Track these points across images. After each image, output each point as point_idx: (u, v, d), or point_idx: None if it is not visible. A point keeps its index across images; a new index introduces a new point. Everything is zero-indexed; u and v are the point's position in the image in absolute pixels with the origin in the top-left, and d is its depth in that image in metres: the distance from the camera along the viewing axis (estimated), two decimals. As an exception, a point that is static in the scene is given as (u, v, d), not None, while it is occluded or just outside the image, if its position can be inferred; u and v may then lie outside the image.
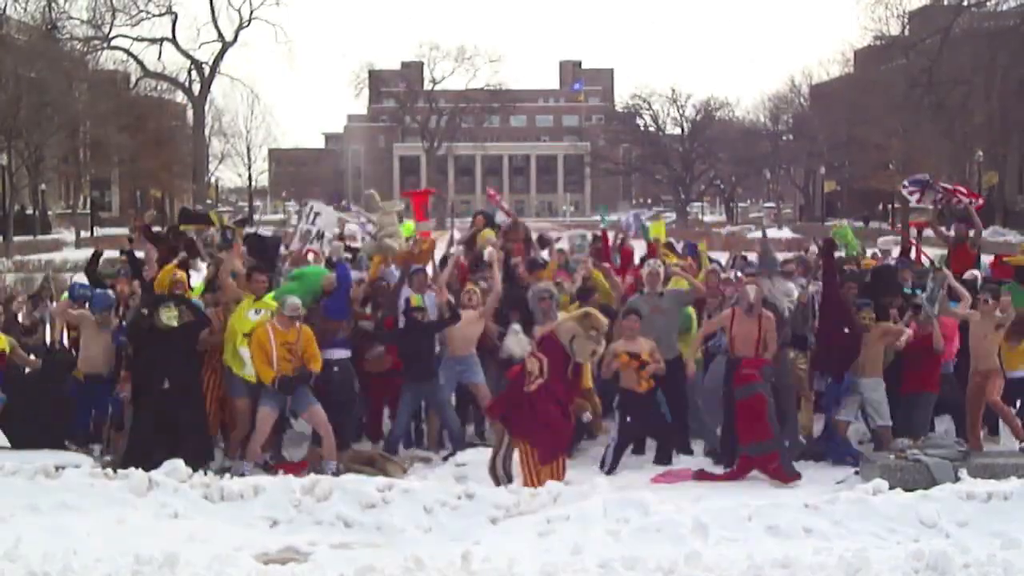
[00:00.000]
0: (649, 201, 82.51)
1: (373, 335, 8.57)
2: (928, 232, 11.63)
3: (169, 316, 7.57)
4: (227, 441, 8.20)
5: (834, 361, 8.15)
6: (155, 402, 7.56)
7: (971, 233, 10.40)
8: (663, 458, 8.19)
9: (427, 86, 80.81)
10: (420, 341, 8.32)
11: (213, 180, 58.86)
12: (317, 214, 10.22)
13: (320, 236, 10.08)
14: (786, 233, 43.05)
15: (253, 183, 67.58)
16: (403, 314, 8.47)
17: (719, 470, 7.88)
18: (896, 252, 10.76)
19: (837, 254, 9.52)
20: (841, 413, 8.08)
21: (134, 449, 7.45)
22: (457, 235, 11.00)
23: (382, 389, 8.62)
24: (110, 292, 8.41)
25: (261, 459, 7.88)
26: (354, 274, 9.08)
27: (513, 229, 10.56)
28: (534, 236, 11.08)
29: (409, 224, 10.89)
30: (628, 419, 8.00)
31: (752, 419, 7.55)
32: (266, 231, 12.34)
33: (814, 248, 10.54)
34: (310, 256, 9.83)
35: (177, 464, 6.82)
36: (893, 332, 8.02)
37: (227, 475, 7.01)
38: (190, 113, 53.23)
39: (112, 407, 8.16)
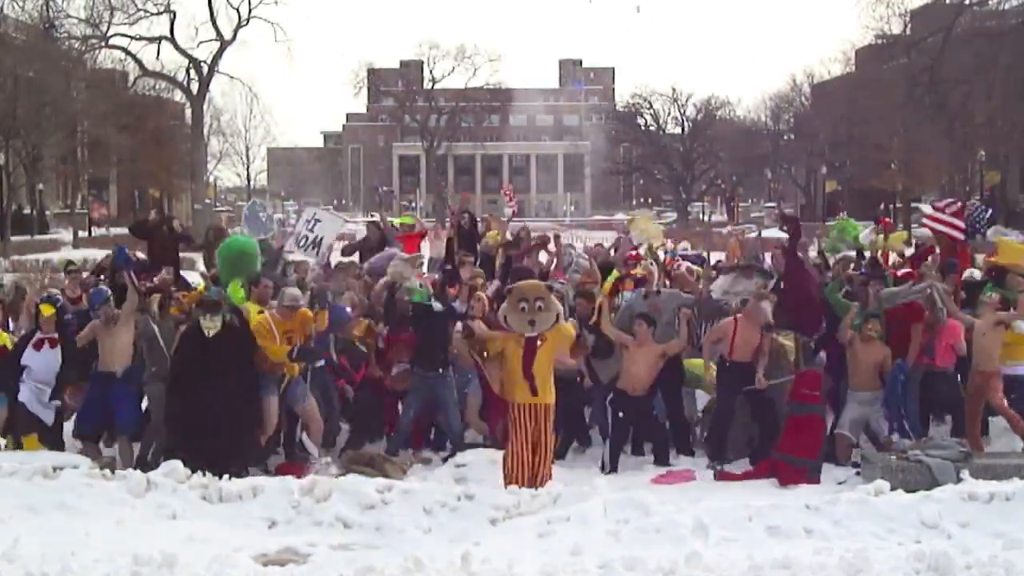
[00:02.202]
0: (650, 201, 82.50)
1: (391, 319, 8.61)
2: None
3: (207, 326, 7.47)
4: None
5: (804, 321, 8.28)
6: (194, 409, 7.40)
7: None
8: (661, 458, 8.19)
9: (426, 85, 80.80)
10: (431, 329, 8.25)
11: (212, 179, 58.79)
12: (318, 221, 10.17)
13: (317, 244, 10.06)
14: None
15: (252, 182, 67.61)
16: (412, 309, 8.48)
17: (737, 469, 7.92)
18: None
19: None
20: (845, 427, 8.03)
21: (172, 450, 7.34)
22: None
23: (396, 393, 8.60)
24: (103, 288, 8.28)
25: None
26: None
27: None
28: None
29: (407, 217, 11.09)
30: (620, 415, 8.00)
31: (800, 434, 7.58)
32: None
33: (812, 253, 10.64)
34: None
35: (175, 465, 6.80)
36: (887, 356, 8.04)
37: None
38: (189, 112, 52.97)
39: (129, 406, 7.95)
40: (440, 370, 8.21)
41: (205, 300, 7.78)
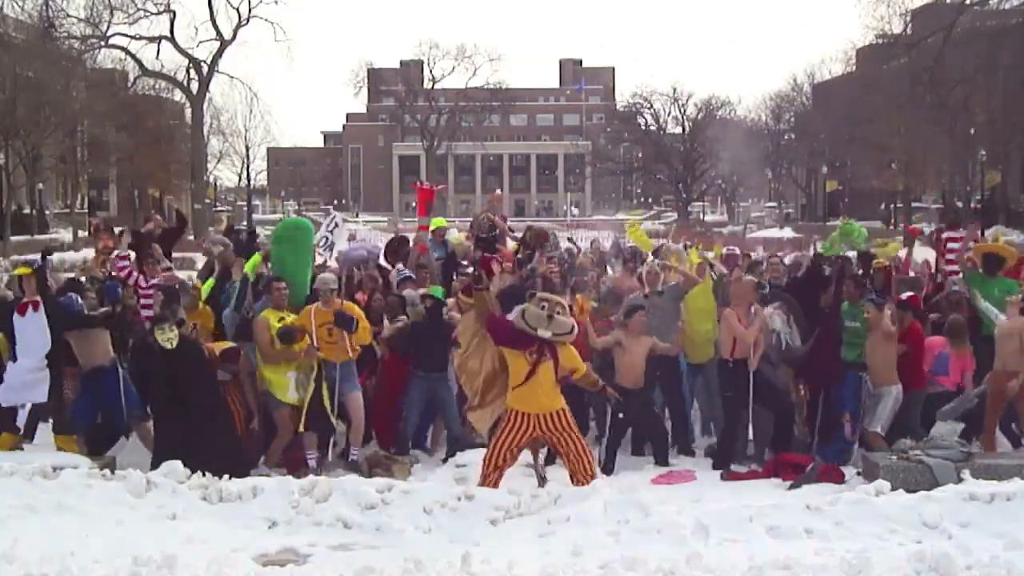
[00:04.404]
0: (650, 200, 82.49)
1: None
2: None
3: (165, 338, 7.37)
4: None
5: (814, 375, 8.22)
6: (174, 423, 7.36)
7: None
8: (661, 458, 8.19)
9: (427, 85, 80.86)
10: (429, 333, 8.30)
11: (211, 179, 58.67)
12: (336, 225, 10.87)
13: (331, 246, 10.66)
14: (788, 233, 43.03)
15: (252, 182, 67.45)
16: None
17: (743, 469, 7.93)
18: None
19: (849, 252, 9.64)
20: (872, 425, 7.90)
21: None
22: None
23: (394, 392, 8.57)
24: (73, 298, 8.18)
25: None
26: None
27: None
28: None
29: (441, 220, 11.28)
30: (620, 416, 8.00)
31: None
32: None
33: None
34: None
35: (175, 465, 6.78)
36: (889, 330, 7.96)
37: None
38: (188, 112, 52.92)
39: (127, 398, 7.85)
40: (442, 371, 8.27)
41: (156, 317, 7.72)
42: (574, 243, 12.27)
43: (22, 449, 7.81)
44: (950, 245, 10.16)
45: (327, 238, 10.68)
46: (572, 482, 6.77)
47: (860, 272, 9.42)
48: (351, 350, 7.90)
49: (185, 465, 6.81)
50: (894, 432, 7.75)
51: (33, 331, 7.67)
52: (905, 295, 8.45)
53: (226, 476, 6.74)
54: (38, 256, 9.01)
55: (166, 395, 7.41)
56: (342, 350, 7.82)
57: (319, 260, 10.34)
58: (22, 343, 7.69)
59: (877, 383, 7.92)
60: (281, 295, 8.06)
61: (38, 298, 7.75)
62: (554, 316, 6.61)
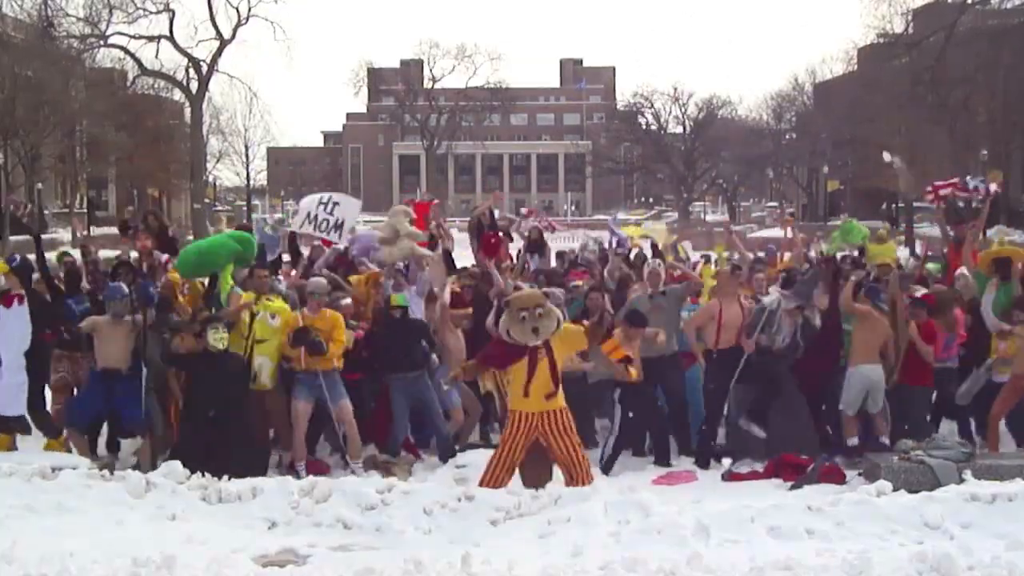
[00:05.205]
0: (651, 200, 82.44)
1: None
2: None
3: (216, 338, 7.44)
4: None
5: (808, 376, 8.18)
6: (204, 422, 7.40)
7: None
8: (661, 459, 8.15)
9: (427, 84, 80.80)
10: (400, 336, 8.28)
11: (211, 179, 58.61)
12: (336, 204, 9.94)
13: (339, 226, 9.85)
14: (788, 232, 42.84)
15: (251, 182, 67.43)
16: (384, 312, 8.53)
17: (744, 469, 7.91)
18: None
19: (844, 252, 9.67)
20: (848, 409, 7.97)
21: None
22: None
23: (386, 397, 8.55)
24: (123, 285, 8.12)
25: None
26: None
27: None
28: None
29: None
30: (630, 414, 7.96)
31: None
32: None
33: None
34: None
35: (175, 465, 6.77)
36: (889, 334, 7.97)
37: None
38: (188, 111, 52.78)
39: (137, 404, 7.85)
40: (418, 370, 8.24)
41: (207, 317, 7.75)
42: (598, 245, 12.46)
43: (16, 449, 7.80)
44: None
45: (328, 220, 9.79)
46: (566, 483, 6.78)
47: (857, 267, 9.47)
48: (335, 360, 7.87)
49: (203, 465, 6.81)
50: (897, 425, 7.76)
51: (15, 325, 7.65)
52: (920, 293, 8.46)
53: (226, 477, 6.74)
54: (38, 255, 8.95)
55: (202, 395, 7.44)
56: (325, 358, 7.78)
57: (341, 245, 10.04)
58: (3, 336, 7.67)
59: (849, 363, 7.97)
60: (263, 281, 8.13)
61: (22, 291, 7.72)
62: (539, 328, 6.60)
